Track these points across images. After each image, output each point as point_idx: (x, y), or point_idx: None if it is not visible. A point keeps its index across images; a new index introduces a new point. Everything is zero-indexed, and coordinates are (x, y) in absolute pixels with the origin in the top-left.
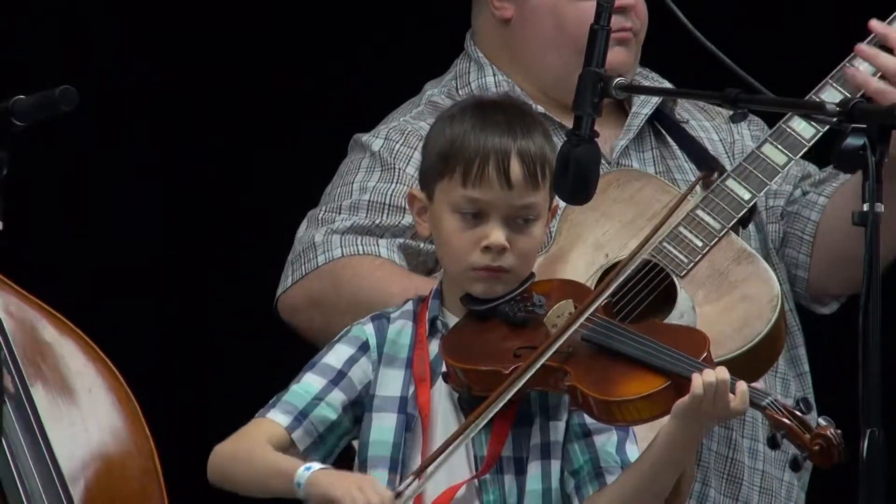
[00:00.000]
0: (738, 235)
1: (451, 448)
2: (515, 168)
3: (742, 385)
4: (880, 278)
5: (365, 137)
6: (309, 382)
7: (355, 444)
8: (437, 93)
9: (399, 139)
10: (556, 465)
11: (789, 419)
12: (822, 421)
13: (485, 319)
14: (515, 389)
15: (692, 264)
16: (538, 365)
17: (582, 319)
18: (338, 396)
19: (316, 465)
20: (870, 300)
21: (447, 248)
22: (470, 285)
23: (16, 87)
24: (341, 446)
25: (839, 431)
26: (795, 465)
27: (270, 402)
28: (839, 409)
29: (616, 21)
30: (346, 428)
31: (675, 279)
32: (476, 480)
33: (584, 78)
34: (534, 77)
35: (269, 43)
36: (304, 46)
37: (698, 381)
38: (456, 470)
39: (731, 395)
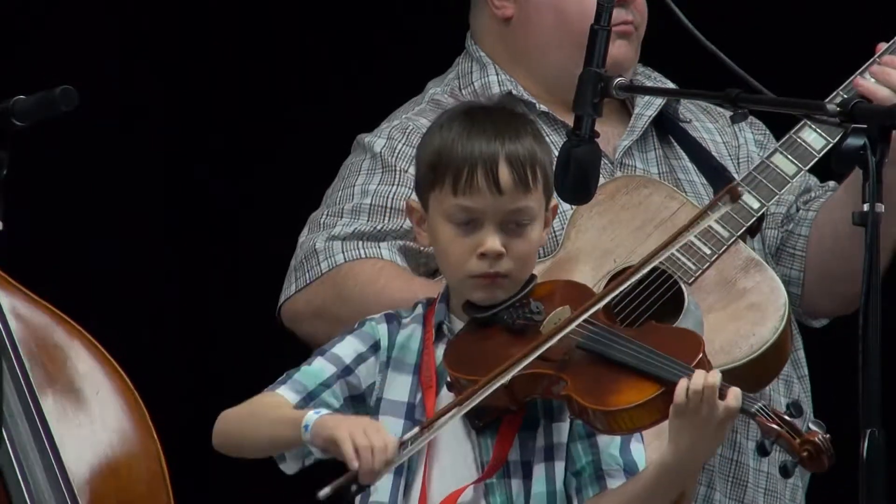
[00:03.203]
0: (746, 244)
1: (451, 413)
2: (504, 173)
3: (735, 389)
4: (880, 279)
5: (367, 138)
6: (320, 367)
7: None
8: (439, 91)
9: (400, 138)
10: (560, 467)
11: (779, 425)
12: (812, 426)
13: (486, 327)
14: (513, 372)
15: (700, 272)
16: (536, 353)
17: (580, 320)
18: (342, 388)
19: (325, 410)
20: (870, 300)
21: (445, 258)
22: (470, 293)
23: (16, 87)
24: None
25: (828, 436)
26: (785, 472)
27: (280, 378)
28: (839, 409)
29: (617, 14)
30: None
31: (683, 286)
32: (483, 484)
33: (584, 78)
34: (536, 76)
35: (270, 43)
36: (306, 46)
37: (682, 387)
38: (461, 474)
39: (719, 402)
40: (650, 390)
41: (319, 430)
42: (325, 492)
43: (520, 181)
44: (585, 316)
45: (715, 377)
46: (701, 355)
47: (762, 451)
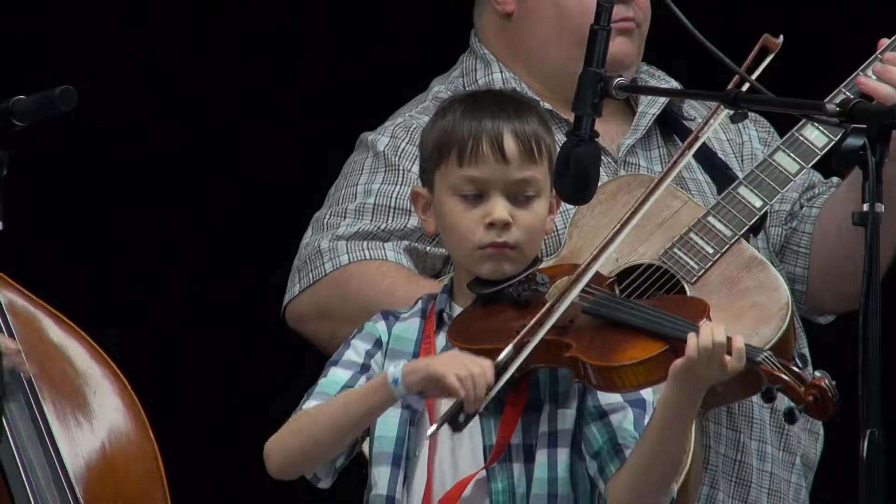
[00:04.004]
0: (748, 243)
1: (540, 329)
2: (510, 142)
3: (739, 342)
4: (880, 279)
5: (371, 136)
6: (337, 374)
7: (364, 448)
8: (443, 89)
9: (404, 137)
10: (563, 454)
11: (784, 373)
12: (817, 373)
13: (492, 303)
14: (544, 330)
15: (703, 271)
16: (553, 319)
17: (583, 284)
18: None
19: (398, 363)
20: (870, 300)
21: (452, 232)
22: (478, 266)
23: (16, 87)
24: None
25: (834, 383)
26: (790, 418)
27: (303, 399)
28: (843, 408)
29: (617, 11)
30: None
31: (685, 285)
32: (484, 469)
33: (584, 78)
34: (537, 72)
35: (271, 42)
36: (307, 45)
37: (693, 342)
38: (465, 458)
39: (727, 357)
40: (655, 347)
41: (411, 376)
42: (433, 429)
43: (525, 151)
44: (591, 273)
45: (721, 335)
46: (705, 318)
47: (768, 397)
